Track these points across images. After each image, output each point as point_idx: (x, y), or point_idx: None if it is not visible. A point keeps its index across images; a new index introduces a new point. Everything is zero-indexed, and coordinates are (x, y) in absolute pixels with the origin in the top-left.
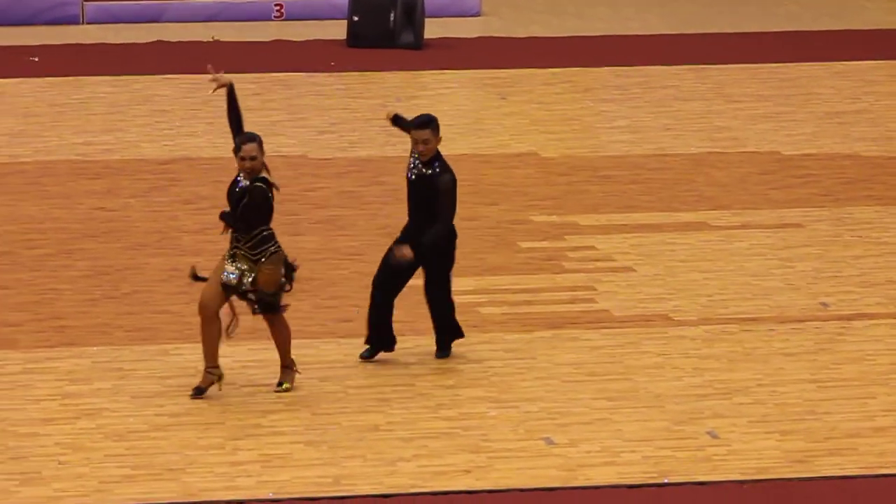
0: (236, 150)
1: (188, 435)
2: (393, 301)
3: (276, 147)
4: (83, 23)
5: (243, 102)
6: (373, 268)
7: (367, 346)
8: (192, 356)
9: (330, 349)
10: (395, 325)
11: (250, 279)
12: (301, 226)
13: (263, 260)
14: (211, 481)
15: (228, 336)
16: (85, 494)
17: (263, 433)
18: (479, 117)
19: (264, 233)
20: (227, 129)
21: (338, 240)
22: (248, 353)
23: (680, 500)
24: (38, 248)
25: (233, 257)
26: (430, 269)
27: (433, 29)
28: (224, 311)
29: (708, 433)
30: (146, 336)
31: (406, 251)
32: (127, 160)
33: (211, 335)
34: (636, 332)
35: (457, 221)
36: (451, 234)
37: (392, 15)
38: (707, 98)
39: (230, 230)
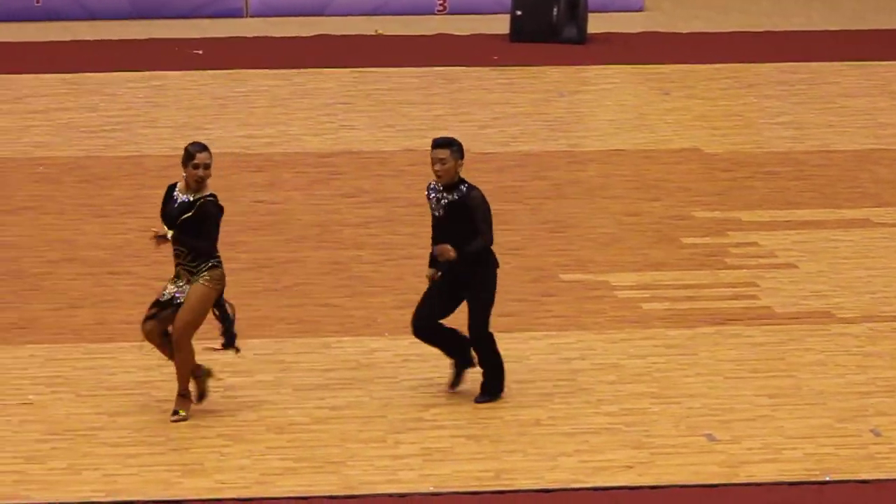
0: (188, 159)
1: (349, 428)
2: (438, 335)
3: None
4: (247, 16)
5: (406, 96)
6: (535, 262)
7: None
8: (353, 349)
9: None
10: (556, 321)
11: (178, 291)
12: None
13: (205, 273)
14: (372, 474)
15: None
16: (246, 486)
17: (425, 427)
18: (641, 113)
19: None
20: (388, 122)
21: (499, 234)
22: (409, 348)
23: (842, 497)
24: None
25: (177, 275)
26: (475, 304)
27: (596, 24)
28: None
29: (871, 431)
30: (307, 329)
31: (448, 248)
32: (288, 153)
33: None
34: (799, 329)
35: (618, 216)
36: (494, 260)
37: (555, 9)
38: (872, 95)
39: (174, 245)
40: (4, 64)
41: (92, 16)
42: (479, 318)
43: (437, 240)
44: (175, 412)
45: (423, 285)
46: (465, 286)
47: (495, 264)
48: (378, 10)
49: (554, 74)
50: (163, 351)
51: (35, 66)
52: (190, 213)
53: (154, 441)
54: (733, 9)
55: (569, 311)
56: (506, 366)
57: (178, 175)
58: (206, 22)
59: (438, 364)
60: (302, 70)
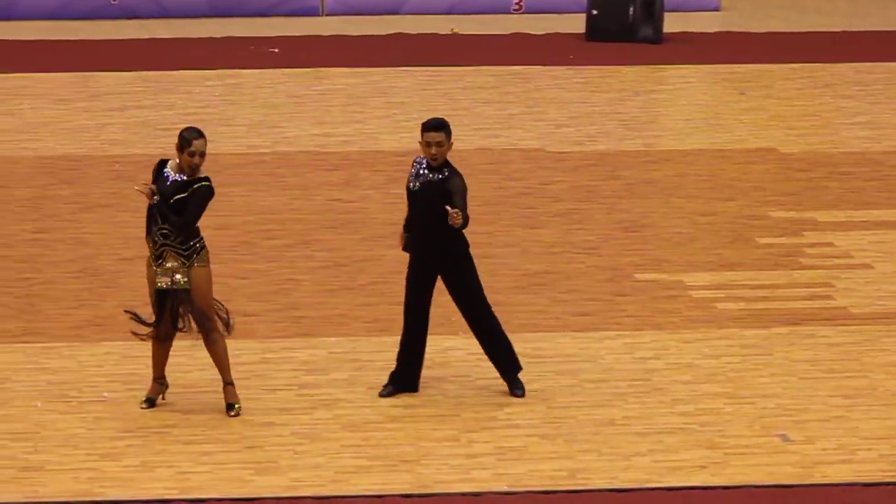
0: (184, 145)
1: (423, 427)
2: (426, 329)
3: (514, 140)
4: (323, 14)
5: (482, 95)
6: (609, 262)
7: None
8: (427, 348)
9: (566, 343)
10: (630, 320)
11: (185, 280)
12: (538, 219)
13: (195, 257)
14: (446, 473)
15: (230, 333)
16: (321, 484)
17: (499, 426)
18: (717, 112)
19: (197, 227)
20: (464, 121)
21: (574, 233)
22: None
23: None
24: (277, 239)
25: (159, 256)
26: (463, 285)
27: (672, 23)
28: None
29: None
30: (383, 327)
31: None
32: (365, 151)
33: (161, 347)
34: (874, 330)
35: (693, 215)
36: (466, 241)
37: (631, 9)
38: None
39: (158, 227)
40: (82, 61)
41: (168, 14)
42: (476, 303)
43: (413, 218)
44: (231, 406)
45: (499, 284)
46: (442, 269)
47: (467, 244)
48: (454, 9)
49: (630, 74)
50: (163, 352)
51: (112, 64)
52: (184, 195)
53: (228, 439)
54: (809, 9)
55: (643, 311)
56: (580, 365)
57: (254, 173)
58: (282, 20)
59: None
60: (378, 68)
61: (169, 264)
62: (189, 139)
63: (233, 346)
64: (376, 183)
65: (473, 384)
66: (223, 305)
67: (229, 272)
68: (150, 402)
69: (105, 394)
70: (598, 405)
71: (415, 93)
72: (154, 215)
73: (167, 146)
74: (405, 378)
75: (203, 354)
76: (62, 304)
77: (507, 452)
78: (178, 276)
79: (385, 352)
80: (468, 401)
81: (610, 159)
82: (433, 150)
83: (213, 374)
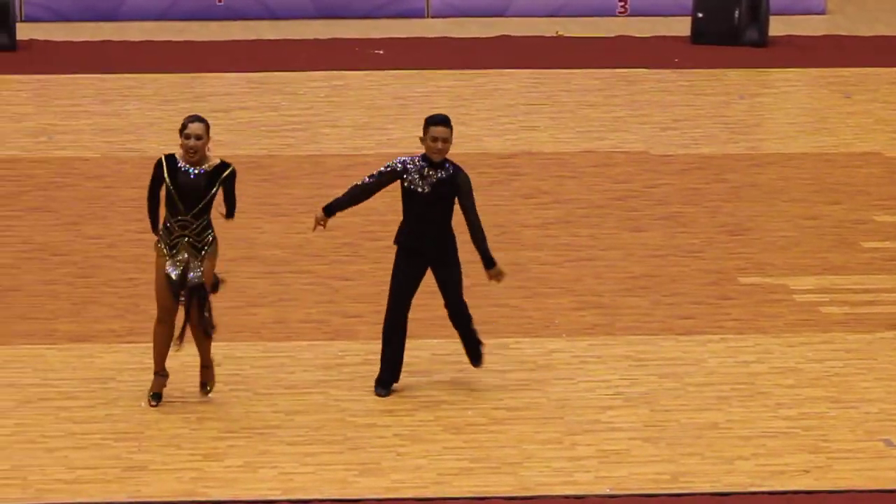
0: (182, 129)
1: (525, 429)
2: (406, 320)
3: (619, 143)
4: (428, 16)
5: (587, 98)
6: (713, 265)
7: (382, 386)
8: (531, 350)
9: (669, 346)
10: (734, 324)
11: (199, 272)
12: (642, 222)
13: (207, 249)
14: (548, 476)
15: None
16: (423, 486)
17: (601, 429)
18: (822, 116)
19: (209, 218)
20: (569, 123)
21: (679, 237)
22: (587, 349)
23: None
24: (380, 241)
25: (173, 247)
26: (453, 285)
27: (778, 26)
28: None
29: None
30: (485, 329)
31: (498, 271)
32: (469, 154)
33: (163, 338)
34: None
35: (797, 219)
36: (454, 236)
37: (737, 12)
38: None
39: (176, 217)
40: (187, 63)
41: (274, 15)
42: (460, 295)
43: (418, 216)
44: (203, 384)
45: (603, 287)
46: (437, 262)
47: (454, 238)
48: (559, 12)
49: (734, 77)
50: (162, 327)
51: (217, 65)
52: (215, 189)
53: (331, 440)
54: None
55: (747, 315)
56: (683, 368)
57: (359, 175)
58: (388, 22)
59: (616, 366)
60: (483, 70)
61: (181, 256)
62: (185, 124)
63: (336, 347)
64: (480, 185)
65: (577, 387)
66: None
67: (334, 273)
68: (158, 398)
69: (209, 394)
70: (701, 409)
71: (520, 95)
72: (175, 206)
73: (272, 147)
74: (394, 372)
75: (307, 356)
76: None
77: (610, 455)
78: (192, 271)
79: (487, 354)
80: (571, 403)
81: (715, 162)
82: (440, 146)
83: (317, 375)
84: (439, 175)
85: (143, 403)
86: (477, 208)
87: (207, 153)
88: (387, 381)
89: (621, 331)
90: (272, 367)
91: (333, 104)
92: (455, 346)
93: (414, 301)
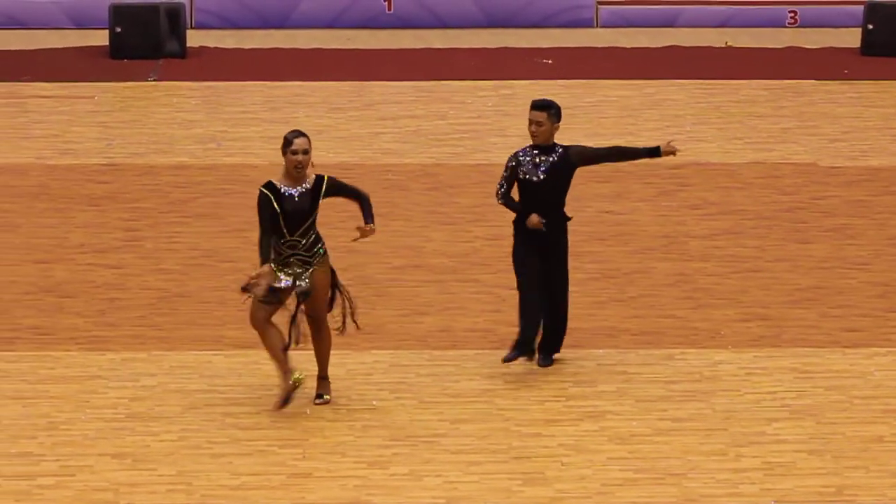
0: (286, 146)
1: (690, 440)
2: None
3: (786, 154)
4: (597, 26)
5: (755, 108)
6: (881, 278)
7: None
8: (696, 361)
9: (835, 359)
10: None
11: (305, 282)
12: (810, 234)
13: (316, 259)
14: (712, 487)
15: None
16: (587, 496)
17: (767, 441)
18: None
19: (316, 232)
20: (737, 134)
21: (846, 249)
22: (753, 361)
23: None
24: None
25: (285, 264)
26: (560, 257)
27: None
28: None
29: None
30: (651, 340)
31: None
32: (636, 164)
33: (273, 344)
34: None
35: None
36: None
37: None
38: None
39: (283, 240)
40: (356, 70)
41: (443, 24)
42: (567, 282)
43: (531, 205)
44: (320, 395)
45: (769, 298)
46: (550, 244)
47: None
48: (728, 22)
49: None
50: (267, 335)
51: (386, 74)
52: (321, 198)
53: (496, 449)
54: None
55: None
56: (849, 381)
57: None
58: (557, 31)
59: (782, 378)
60: (651, 81)
61: (292, 270)
62: (290, 139)
63: (502, 356)
64: (647, 195)
65: (742, 398)
66: (352, 303)
67: (500, 282)
68: (286, 401)
69: (374, 402)
70: (867, 422)
71: (688, 105)
72: (281, 231)
73: (440, 156)
74: (528, 342)
75: (473, 365)
76: (334, 312)
77: (775, 468)
78: (301, 282)
79: (653, 364)
80: (737, 415)
81: (884, 175)
82: (533, 129)
83: (482, 384)
84: (552, 159)
85: (308, 411)
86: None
87: (308, 169)
88: (520, 346)
89: (787, 343)
90: (438, 376)
91: (501, 113)
92: (621, 356)
93: (577, 311)
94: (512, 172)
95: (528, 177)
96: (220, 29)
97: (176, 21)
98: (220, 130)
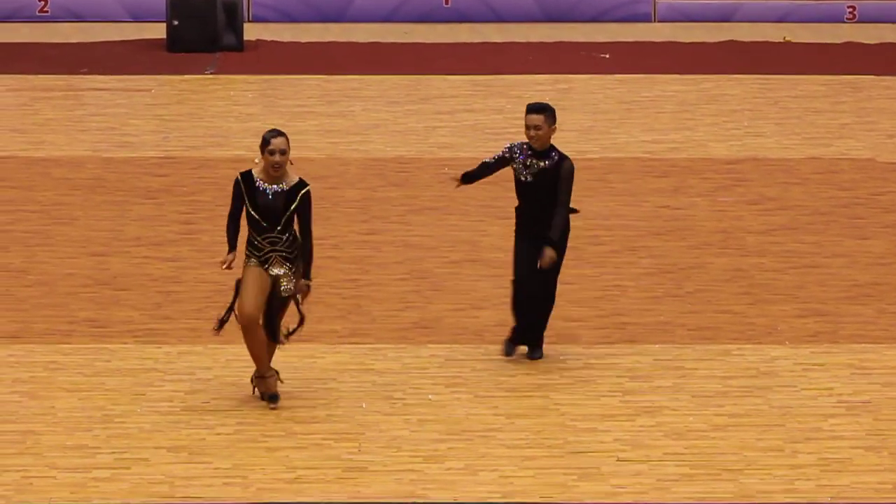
0: (264, 145)
1: (747, 436)
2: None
3: (845, 150)
4: (654, 21)
5: (813, 104)
6: None
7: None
8: (753, 357)
9: (893, 355)
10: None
11: (291, 284)
12: (868, 230)
13: (297, 262)
14: (769, 483)
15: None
16: (643, 492)
17: (823, 437)
18: None
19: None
20: (795, 130)
21: None
22: (810, 357)
23: None
24: (603, 245)
25: (265, 261)
26: (554, 270)
27: None
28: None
29: None
30: (708, 335)
31: (551, 254)
32: (694, 159)
33: (258, 343)
34: None
35: None
36: (567, 227)
37: None
38: None
39: (262, 235)
40: (414, 64)
41: (500, 18)
42: (555, 283)
43: (524, 199)
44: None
45: (827, 294)
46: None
47: (568, 234)
48: (787, 17)
49: None
50: (251, 335)
51: (443, 67)
52: (296, 204)
53: (552, 444)
54: None
55: None
56: None
57: (583, 178)
58: (614, 26)
59: (839, 374)
60: (709, 76)
61: (275, 271)
62: (268, 139)
63: (557, 350)
64: (704, 190)
65: (799, 394)
66: (301, 322)
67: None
68: (273, 398)
69: (430, 396)
70: None
71: (746, 101)
72: (258, 224)
73: (496, 150)
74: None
75: (527, 359)
76: (389, 305)
77: (832, 464)
78: (283, 285)
79: (710, 360)
80: (794, 411)
81: None
82: (531, 133)
83: (538, 378)
84: (543, 164)
85: (364, 405)
86: (700, 212)
87: (288, 168)
88: (514, 340)
89: (845, 339)
90: (493, 370)
91: (558, 107)
92: (677, 351)
93: (633, 305)
94: (500, 161)
95: (518, 174)
96: (277, 22)
97: (233, 14)
98: (276, 123)
